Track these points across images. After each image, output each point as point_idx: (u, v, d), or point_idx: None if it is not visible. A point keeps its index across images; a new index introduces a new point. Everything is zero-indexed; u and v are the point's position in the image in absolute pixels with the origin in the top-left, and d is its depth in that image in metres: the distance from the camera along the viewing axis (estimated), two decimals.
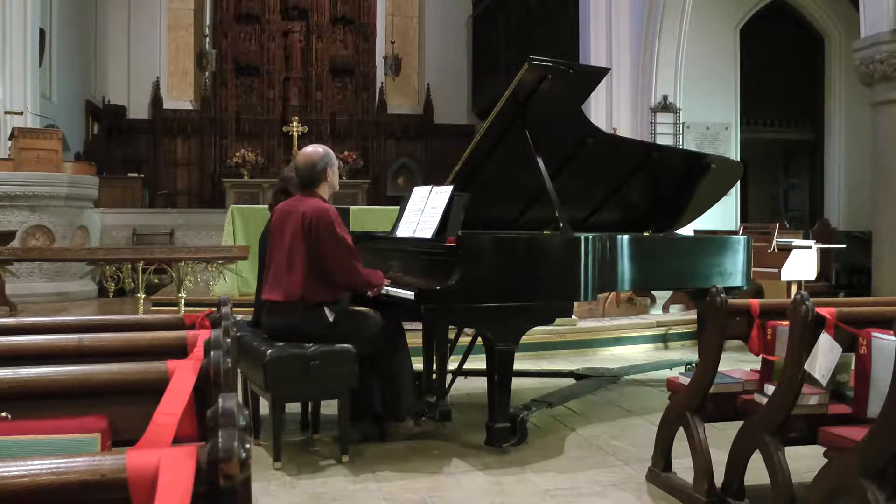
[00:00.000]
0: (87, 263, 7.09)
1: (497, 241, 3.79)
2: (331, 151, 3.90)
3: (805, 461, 3.01)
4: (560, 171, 4.33)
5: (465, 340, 4.80)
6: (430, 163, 15.48)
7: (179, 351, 1.87)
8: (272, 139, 14.83)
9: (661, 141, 9.77)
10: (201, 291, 6.95)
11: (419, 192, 4.26)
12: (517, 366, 3.92)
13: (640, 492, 3.21)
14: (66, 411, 1.53)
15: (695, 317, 6.13)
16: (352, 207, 7.82)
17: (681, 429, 3.12)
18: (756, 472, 2.84)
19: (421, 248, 3.96)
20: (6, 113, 9.49)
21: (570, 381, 5.09)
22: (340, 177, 4.10)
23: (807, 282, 7.00)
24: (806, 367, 2.56)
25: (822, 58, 11.84)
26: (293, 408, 4.12)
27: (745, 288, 4.93)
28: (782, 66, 11.67)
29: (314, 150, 3.86)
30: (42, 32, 11.06)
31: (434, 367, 4.36)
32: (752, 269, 5.13)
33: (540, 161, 4.00)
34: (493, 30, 14.83)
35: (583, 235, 3.91)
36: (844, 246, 8.63)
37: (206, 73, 14.91)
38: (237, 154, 14.20)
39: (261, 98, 14.96)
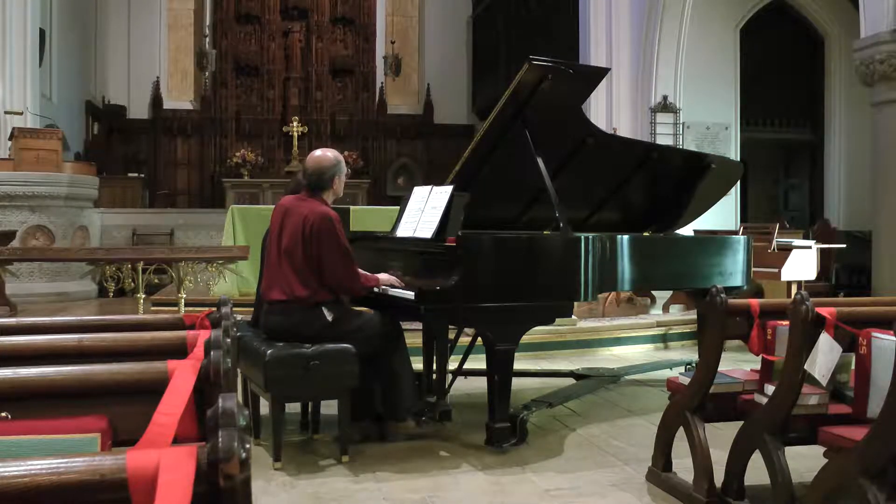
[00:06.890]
0: (87, 263, 7.09)
1: (497, 240, 3.79)
2: (342, 160, 3.83)
3: (805, 461, 3.01)
4: (560, 171, 4.33)
5: (465, 340, 4.80)
6: (430, 163, 15.47)
7: (179, 351, 1.87)
8: (272, 139, 14.82)
9: (661, 141, 9.76)
10: (201, 291, 6.94)
11: (419, 192, 4.26)
12: (517, 366, 3.91)
13: (640, 492, 3.21)
14: (66, 411, 1.53)
15: (695, 317, 6.12)
16: (352, 207, 7.79)
17: (681, 429, 3.12)
18: (756, 472, 2.84)
19: (421, 248, 3.96)
20: (6, 113, 9.48)
21: (570, 381, 5.09)
22: None
23: (807, 282, 7.00)
24: (806, 367, 2.56)
25: (822, 58, 11.82)
26: (293, 408, 4.12)
27: (745, 288, 4.92)
28: (782, 66, 11.66)
29: (324, 155, 3.78)
30: (42, 32, 11.05)
31: (434, 367, 4.36)
32: (752, 269, 5.13)
33: (540, 161, 4.00)
34: (493, 30, 14.82)
35: (583, 235, 3.91)
36: (844, 246, 8.63)
37: (206, 73, 14.90)
38: (237, 154, 14.20)
39: (261, 98, 14.95)
